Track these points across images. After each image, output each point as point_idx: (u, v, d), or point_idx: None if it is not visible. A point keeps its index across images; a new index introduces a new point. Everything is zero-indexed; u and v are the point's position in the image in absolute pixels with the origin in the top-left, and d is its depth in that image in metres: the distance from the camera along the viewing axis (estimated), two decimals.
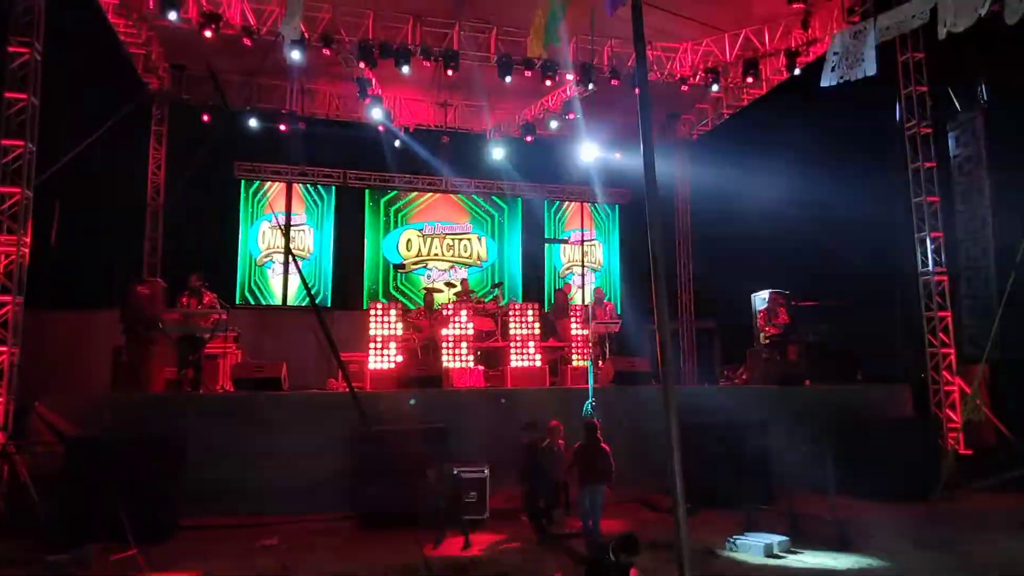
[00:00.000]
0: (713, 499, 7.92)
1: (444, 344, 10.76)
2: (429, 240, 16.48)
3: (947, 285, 10.25)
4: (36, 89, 8.29)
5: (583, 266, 14.01)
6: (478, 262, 16.66)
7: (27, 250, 8.17)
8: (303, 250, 15.53)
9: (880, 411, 10.10)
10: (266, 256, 15.33)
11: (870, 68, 5.94)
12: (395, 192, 16.26)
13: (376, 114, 12.89)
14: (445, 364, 10.54)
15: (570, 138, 15.07)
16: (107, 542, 6.48)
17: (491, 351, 11.58)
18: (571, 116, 13.71)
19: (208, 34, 10.58)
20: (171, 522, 7.21)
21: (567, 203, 17.44)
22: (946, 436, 9.87)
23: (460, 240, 16.68)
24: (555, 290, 15.43)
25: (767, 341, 11.73)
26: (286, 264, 15.07)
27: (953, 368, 10.13)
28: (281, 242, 15.15)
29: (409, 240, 16.36)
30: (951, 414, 10.00)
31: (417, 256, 16.35)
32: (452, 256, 16.56)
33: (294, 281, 15.14)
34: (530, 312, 11.15)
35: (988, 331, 10.09)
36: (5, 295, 7.97)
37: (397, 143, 14.50)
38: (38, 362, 8.70)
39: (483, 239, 16.75)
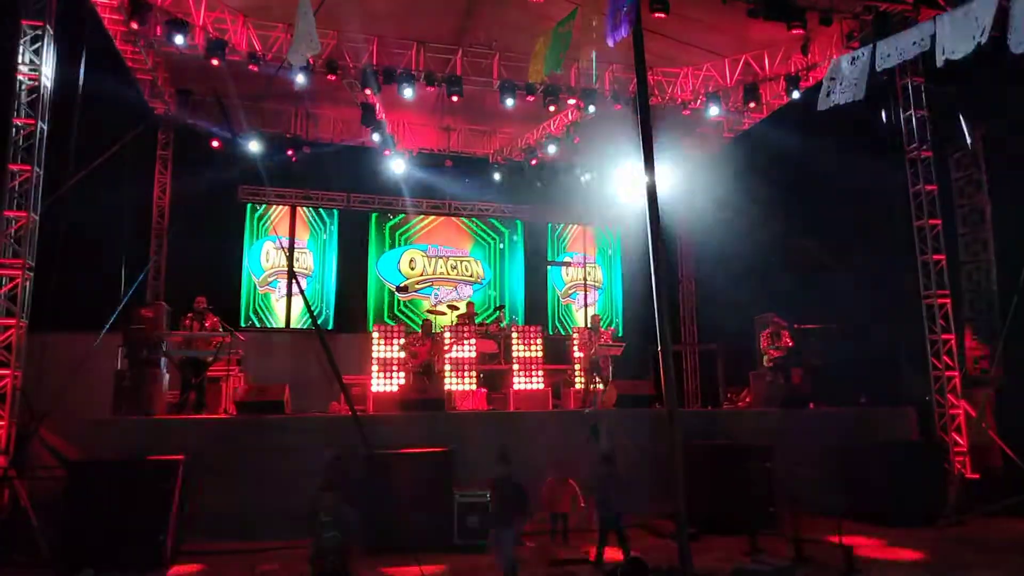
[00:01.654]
0: (717, 524, 7.87)
1: (444, 368, 10.76)
2: (433, 260, 16.53)
3: (950, 308, 10.25)
4: (44, 115, 8.39)
5: (585, 285, 13.99)
6: (479, 280, 16.70)
7: (32, 273, 8.22)
8: (305, 269, 15.57)
9: (885, 434, 10.03)
10: (269, 276, 15.36)
11: (859, 93, 5.99)
12: (399, 215, 16.35)
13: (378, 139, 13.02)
14: (447, 387, 10.52)
15: (572, 162, 15.17)
16: (107, 568, 6.44)
17: (494, 373, 11.57)
18: (575, 140, 13.81)
19: (215, 60, 10.72)
20: (172, 547, 7.15)
21: (569, 226, 17.51)
22: (952, 459, 9.81)
23: (462, 261, 16.74)
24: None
25: (770, 364, 11.69)
26: (289, 286, 15.10)
27: (958, 391, 10.08)
28: (284, 262, 15.20)
29: (412, 259, 16.39)
30: (956, 437, 9.94)
31: (421, 275, 16.38)
32: (456, 275, 16.59)
33: (297, 304, 15.17)
34: (532, 335, 11.18)
35: (992, 353, 10.07)
36: (9, 318, 8.00)
37: (401, 166, 14.59)
38: (40, 385, 8.69)
39: (479, 262, 16.82)
